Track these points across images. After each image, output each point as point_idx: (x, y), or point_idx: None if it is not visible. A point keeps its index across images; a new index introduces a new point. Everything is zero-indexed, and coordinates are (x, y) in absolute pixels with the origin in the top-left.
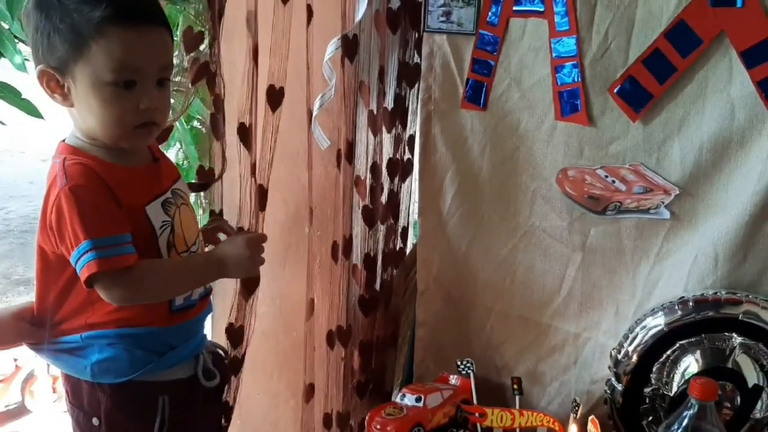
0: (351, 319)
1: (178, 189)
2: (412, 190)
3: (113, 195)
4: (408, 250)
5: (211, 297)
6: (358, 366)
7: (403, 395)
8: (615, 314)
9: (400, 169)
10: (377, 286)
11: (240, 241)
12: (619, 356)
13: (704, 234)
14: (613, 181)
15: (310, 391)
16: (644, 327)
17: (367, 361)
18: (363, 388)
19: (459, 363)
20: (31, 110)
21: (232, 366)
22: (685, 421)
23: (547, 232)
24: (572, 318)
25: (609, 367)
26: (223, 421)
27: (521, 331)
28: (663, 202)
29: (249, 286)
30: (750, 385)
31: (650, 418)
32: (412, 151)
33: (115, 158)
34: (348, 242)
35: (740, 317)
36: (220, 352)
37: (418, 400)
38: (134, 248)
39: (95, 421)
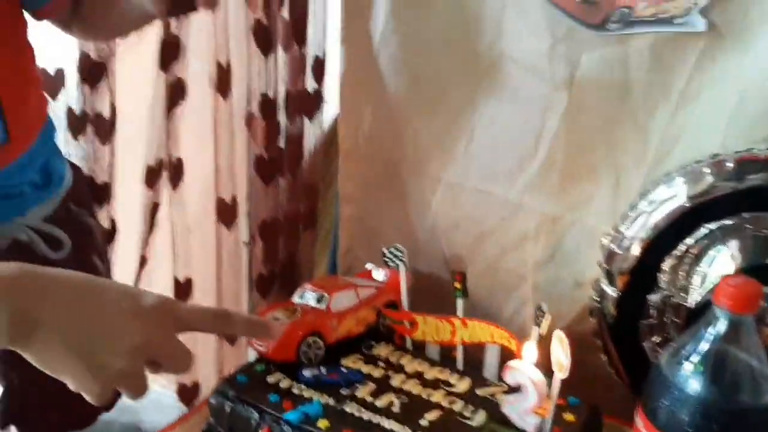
0: (245, 188)
1: None
2: (327, 4)
3: None
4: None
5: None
6: (261, 254)
7: (303, 293)
8: (614, 187)
9: None
10: (281, 142)
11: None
12: (614, 246)
13: (757, 58)
14: None
15: (186, 287)
16: (653, 202)
17: (272, 248)
18: (267, 285)
19: (385, 251)
20: None
21: None
22: (706, 345)
23: (518, 63)
24: (551, 192)
25: (598, 264)
26: None
27: (479, 210)
28: (695, 5)
29: None
30: None
31: (655, 339)
32: None
33: None
34: (226, 72)
35: None
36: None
37: (319, 300)
38: None
39: None
